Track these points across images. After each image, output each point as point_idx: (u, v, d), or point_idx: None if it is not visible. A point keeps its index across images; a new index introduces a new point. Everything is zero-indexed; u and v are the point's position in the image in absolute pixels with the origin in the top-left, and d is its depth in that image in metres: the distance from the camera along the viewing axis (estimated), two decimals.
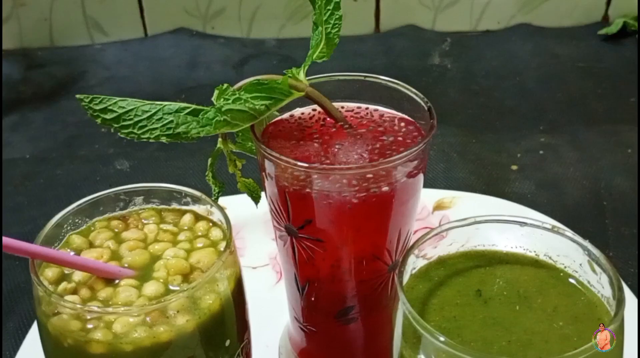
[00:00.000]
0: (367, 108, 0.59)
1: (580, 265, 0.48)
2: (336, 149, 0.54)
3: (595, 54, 1.34)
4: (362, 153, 0.53)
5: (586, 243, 0.47)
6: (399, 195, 0.52)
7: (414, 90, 0.57)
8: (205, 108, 0.53)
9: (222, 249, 0.51)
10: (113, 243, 0.52)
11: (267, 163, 0.52)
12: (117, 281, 0.49)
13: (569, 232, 0.48)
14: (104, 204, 0.54)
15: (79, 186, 1.00)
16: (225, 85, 0.55)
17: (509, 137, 1.08)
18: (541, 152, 1.04)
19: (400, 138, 0.55)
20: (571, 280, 0.48)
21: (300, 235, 0.53)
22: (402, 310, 0.44)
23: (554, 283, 0.49)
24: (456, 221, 0.50)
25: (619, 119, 1.12)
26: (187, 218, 0.54)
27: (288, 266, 0.58)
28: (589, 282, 0.48)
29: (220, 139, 0.56)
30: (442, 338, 0.41)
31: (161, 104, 0.53)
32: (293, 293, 0.60)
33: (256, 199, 0.59)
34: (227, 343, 0.49)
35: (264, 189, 0.57)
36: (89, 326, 0.45)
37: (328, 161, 0.52)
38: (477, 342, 0.45)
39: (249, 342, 0.53)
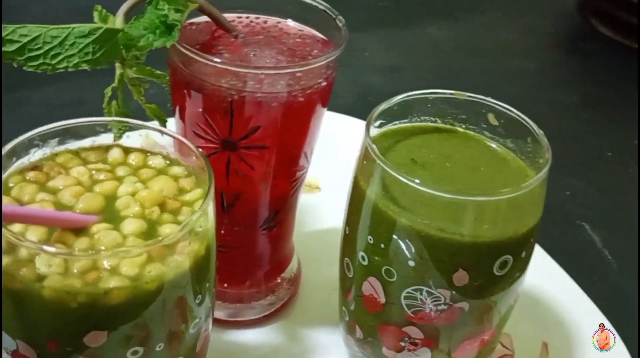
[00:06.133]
0: (247, 17, 0.59)
1: (480, 119, 0.57)
2: (253, 56, 0.54)
3: None
4: (277, 56, 0.54)
5: (487, 99, 0.57)
6: (327, 90, 0.55)
7: None
8: (115, 28, 0.48)
9: (181, 172, 0.48)
10: (47, 195, 0.45)
11: (206, 77, 0.49)
12: (84, 231, 0.42)
13: (468, 94, 0.57)
14: (17, 154, 0.45)
15: None
16: (100, 7, 0.50)
17: None
18: None
19: (298, 40, 0.57)
20: (470, 136, 0.58)
21: (240, 147, 0.53)
22: (379, 169, 0.49)
23: (459, 141, 0.58)
24: (383, 103, 0.55)
25: (361, 28, 1.26)
26: (115, 153, 0.49)
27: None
28: (485, 134, 0.58)
29: (119, 65, 0.51)
30: (417, 181, 0.47)
31: (68, 27, 0.46)
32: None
33: (164, 123, 0.55)
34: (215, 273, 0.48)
35: (181, 111, 0.53)
36: (91, 278, 0.39)
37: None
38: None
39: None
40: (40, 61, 0.44)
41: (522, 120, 0.55)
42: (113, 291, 0.39)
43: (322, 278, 0.71)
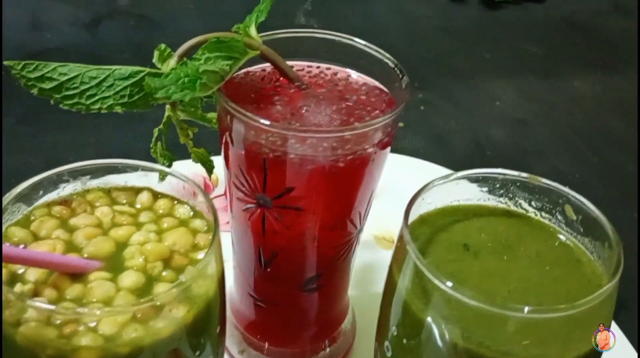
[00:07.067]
0: (318, 67, 0.56)
1: (555, 209, 0.50)
2: (305, 111, 0.50)
3: (445, 13, 1.40)
4: (331, 114, 0.50)
5: (566, 189, 0.49)
6: (379, 154, 0.50)
7: (369, 45, 0.55)
8: (160, 71, 0.47)
9: (201, 227, 0.46)
10: (63, 233, 0.45)
11: (243, 131, 0.47)
12: (82, 276, 0.42)
13: (544, 181, 0.50)
14: (44, 188, 0.46)
15: None
16: (164, 46, 0.49)
17: None
18: (422, 108, 1.08)
19: (363, 96, 0.53)
20: (544, 226, 0.50)
21: (275, 206, 0.50)
22: (410, 258, 0.43)
23: (528, 230, 0.50)
24: (439, 178, 0.50)
25: (480, 73, 1.19)
26: (144, 197, 0.48)
27: (249, 240, 0.54)
28: (561, 226, 0.50)
29: (168, 107, 0.50)
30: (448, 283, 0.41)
31: (109, 69, 0.46)
32: (251, 269, 0.56)
33: (210, 169, 0.53)
34: (218, 330, 0.45)
35: (226, 159, 0.52)
36: (67, 331, 0.38)
37: (303, 124, 0.48)
38: (481, 294, 0.45)
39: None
40: (76, 100, 0.44)
41: (599, 220, 0.46)
42: (81, 350, 0.38)
43: None
